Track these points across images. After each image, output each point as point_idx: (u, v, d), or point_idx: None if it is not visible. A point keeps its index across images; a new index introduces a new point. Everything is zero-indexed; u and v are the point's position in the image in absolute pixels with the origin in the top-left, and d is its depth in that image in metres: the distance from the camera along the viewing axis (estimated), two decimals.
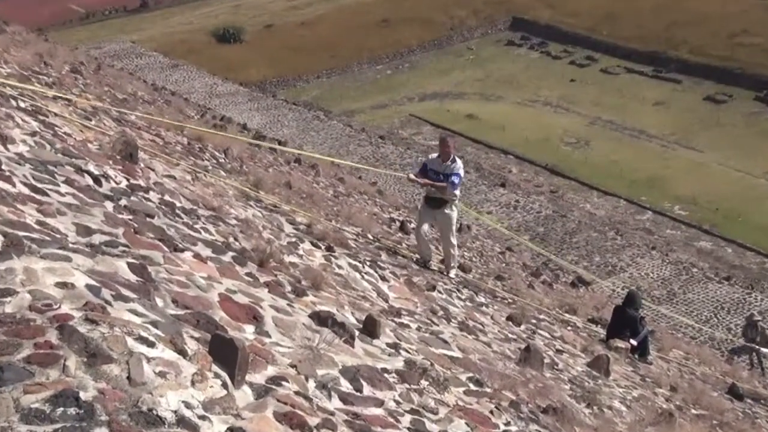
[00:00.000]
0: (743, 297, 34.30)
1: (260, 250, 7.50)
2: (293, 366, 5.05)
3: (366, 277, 9.64)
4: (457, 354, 7.63)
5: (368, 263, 10.41)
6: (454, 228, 13.68)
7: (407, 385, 5.80)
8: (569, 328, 14.70)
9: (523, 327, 11.90)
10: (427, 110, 70.49)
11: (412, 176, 13.47)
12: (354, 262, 9.98)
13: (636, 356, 14.72)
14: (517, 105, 71.31)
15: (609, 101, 69.95)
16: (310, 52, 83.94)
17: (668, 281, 36.28)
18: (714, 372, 19.13)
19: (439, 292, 11.33)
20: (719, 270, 39.56)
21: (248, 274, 6.74)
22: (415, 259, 13.65)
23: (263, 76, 79.35)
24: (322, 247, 9.92)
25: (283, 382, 4.68)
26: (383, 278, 10.05)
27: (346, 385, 5.19)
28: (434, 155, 13.38)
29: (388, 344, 6.64)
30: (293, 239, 9.67)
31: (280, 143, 32.44)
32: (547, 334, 12.50)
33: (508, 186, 50.27)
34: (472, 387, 6.67)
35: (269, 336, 5.43)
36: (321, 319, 6.20)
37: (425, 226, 13.49)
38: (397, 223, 19.86)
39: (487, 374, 7.16)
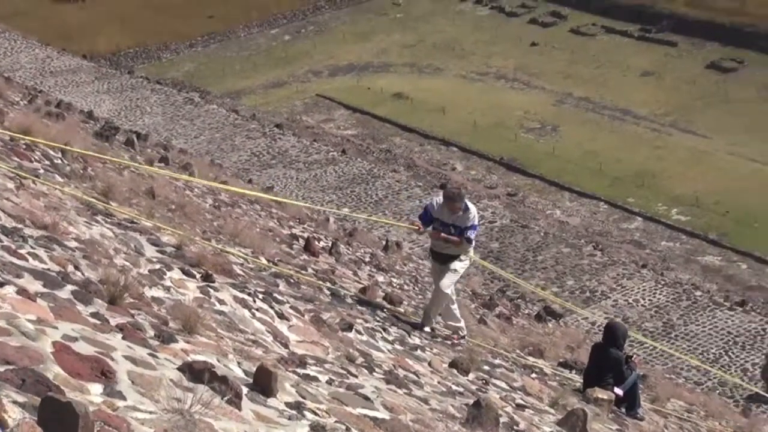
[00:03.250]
0: (762, 328, 35.06)
1: (111, 282, 7.42)
2: None
3: (258, 314, 9.59)
4: (383, 414, 7.65)
5: (261, 296, 10.38)
6: (456, 278, 14.31)
7: None
8: (534, 375, 14.82)
9: (471, 376, 11.97)
10: (340, 88, 70.66)
11: (421, 225, 14.06)
12: (241, 296, 9.93)
13: (622, 410, 14.92)
14: (461, 79, 71.99)
15: (582, 72, 71.10)
16: (179, 12, 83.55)
17: (664, 309, 36.91)
18: (725, 428, 19.47)
19: (359, 332, 11.34)
20: (731, 293, 40.38)
21: (94, 315, 6.66)
22: (336, 291, 13.68)
23: (115, 46, 78.66)
24: (197, 276, 9.86)
25: None
26: (282, 316, 10.03)
27: None
28: (439, 199, 13.93)
29: (287, 404, 6.63)
30: (157, 266, 9.59)
31: (139, 137, 32.17)
32: (504, 385, 12.59)
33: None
34: None
35: (124, 398, 5.39)
36: (195, 372, 6.17)
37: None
38: (301, 241, 19.80)
39: None
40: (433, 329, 14.54)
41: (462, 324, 14.81)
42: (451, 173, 54.46)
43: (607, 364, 14.92)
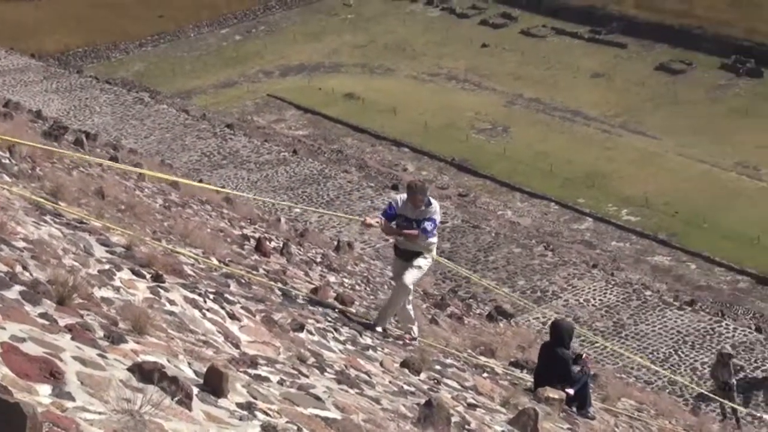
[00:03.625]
0: (711, 327, 35.35)
1: (60, 282, 7.36)
2: None
3: (209, 315, 9.57)
4: (335, 414, 7.64)
5: (212, 296, 10.35)
6: (420, 275, 14.37)
7: None
8: (485, 375, 14.87)
9: (423, 375, 11.99)
10: (291, 89, 70.59)
11: (371, 221, 14.16)
12: (192, 296, 9.91)
13: (573, 409, 15.00)
14: (413, 80, 72.14)
15: (533, 73, 71.46)
16: (129, 12, 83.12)
17: (615, 309, 37.13)
18: (675, 426, 19.64)
19: (310, 332, 11.33)
20: (680, 293, 40.74)
21: (43, 316, 6.61)
22: (287, 292, 13.67)
23: (64, 46, 78.12)
24: (147, 277, 9.81)
25: None
26: (233, 316, 10.00)
27: None
28: (403, 196, 14.01)
29: (239, 404, 6.61)
30: (107, 266, 9.54)
31: (88, 136, 31.95)
32: (455, 384, 12.62)
33: (403, 189, 50.65)
34: None
35: (72, 398, 5.35)
36: (145, 373, 6.13)
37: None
38: (252, 242, 19.76)
39: None
40: (385, 329, 14.54)
41: (415, 326, 14.82)
42: (403, 174, 54.54)
43: (554, 363, 14.98)
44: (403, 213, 13.82)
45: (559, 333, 15.30)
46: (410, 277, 14.05)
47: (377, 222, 14.09)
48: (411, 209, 13.78)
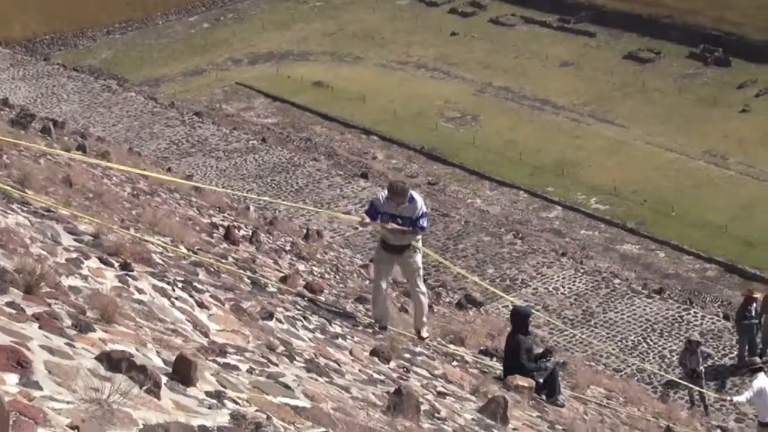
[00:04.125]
0: (679, 315, 35.55)
1: (27, 270, 7.34)
2: (74, 428, 4.97)
3: (177, 303, 9.57)
4: (304, 403, 7.65)
5: (180, 285, 10.34)
6: (421, 272, 14.92)
7: None
8: (455, 363, 14.92)
9: (392, 364, 12.02)
10: (259, 77, 70.40)
11: (368, 220, 14.53)
12: (160, 284, 9.89)
13: (543, 397, 15.07)
14: (381, 68, 72.07)
15: (502, 62, 71.52)
16: None
17: (584, 297, 37.28)
18: (644, 414, 19.77)
19: (279, 321, 11.35)
20: (649, 281, 40.94)
21: (10, 305, 6.59)
22: (256, 280, 13.67)
23: (31, 32, 77.63)
24: (116, 265, 9.79)
25: None
26: (201, 304, 10.00)
27: None
28: (383, 194, 14.36)
29: (208, 393, 6.61)
30: (74, 255, 9.50)
31: (55, 124, 31.75)
32: (425, 372, 12.66)
33: (372, 177, 50.71)
34: None
35: (40, 387, 5.33)
36: (113, 362, 6.12)
37: (384, 282, 14.69)
38: (221, 230, 19.75)
39: (345, 429, 7.20)
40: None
41: (427, 318, 15.48)
42: (372, 162, 54.55)
43: (517, 351, 15.16)
44: (386, 211, 14.12)
45: (515, 319, 15.57)
46: (420, 283, 14.76)
47: (368, 220, 14.54)
48: (393, 206, 14.09)
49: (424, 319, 15.33)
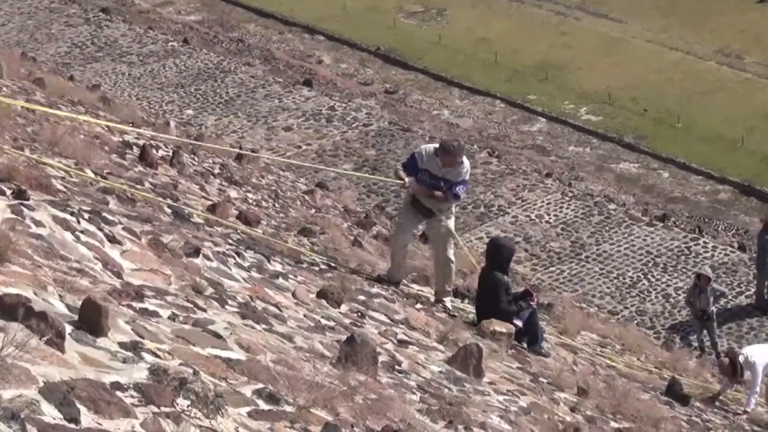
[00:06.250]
0: (687, 246, 35.80)
1: None
2: None
3: (83, 238, 9.50)
4: (238, 355, 7.67)
5: (87, 216, 10.26)
6: (452, 240, 15.48)
7: (154, 408, 5.78)
8: (419, 306, 14.98)
9: (344, 308, 12.06)
10: None
11: (407, 179, 14.92)
12: (62, 216, 9.80)
13: (524, 345, 15.18)
14: None
15: None
16: None
17: (573, 226, 37.45)
18: (645, 363, 19.99)
19: (207, 257, 11.32)
20: (650, 206, 41.13)
21: None
22: (178, 209, 13.64)
23: None
24: (8, 193, 9.70)
25: None
26: (113, 239, 9.95)
27: (51, 413, 5.13)
28: (430, 148, 14.83)
29: (121, 344, 6.60)
30: None
31: None
32: (383, 317, 12.72)
33: (317, 85, 50.55)
34: (263, 406, 6.71)
35: None
36: (7, 308, 6.09)
37: (408, 241, 15.58)
38: (136, 150, 19.62)
39: (287, 384, 7.23)
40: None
41: (451, 286, 16.05)
42: (317, 67, 54.21)
43: (493, 290, 15.19)
44: (427, 168, 14.52)
45: (493, 254, 15.57)
46: (448, 247, 15.31)
47: (408, 183, 14.90)
48: (438, 166, 14.51)
49: (448, 288, 15.78)
